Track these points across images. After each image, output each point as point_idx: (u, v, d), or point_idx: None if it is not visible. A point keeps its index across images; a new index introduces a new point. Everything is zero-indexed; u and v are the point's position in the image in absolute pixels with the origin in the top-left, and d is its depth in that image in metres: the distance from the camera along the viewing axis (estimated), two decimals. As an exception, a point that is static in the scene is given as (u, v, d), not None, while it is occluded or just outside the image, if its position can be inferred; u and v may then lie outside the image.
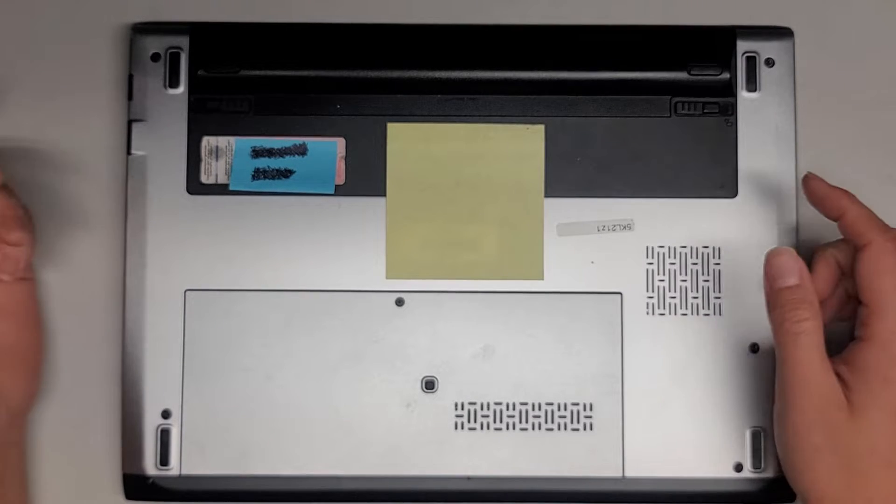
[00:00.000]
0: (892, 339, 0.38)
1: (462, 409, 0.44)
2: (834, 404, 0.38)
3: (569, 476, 0.44)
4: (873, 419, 0.37)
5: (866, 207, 0.41)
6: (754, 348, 0.44)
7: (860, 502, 0.38)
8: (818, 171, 0.45)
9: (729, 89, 0.45)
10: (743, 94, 0.45)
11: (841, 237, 0.42)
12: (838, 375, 0.39)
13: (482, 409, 0.44)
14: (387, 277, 0.45)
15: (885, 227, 0.40)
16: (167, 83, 0.45)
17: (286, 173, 0.45)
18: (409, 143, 0.45)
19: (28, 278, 0.43)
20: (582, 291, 0.45)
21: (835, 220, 0.41)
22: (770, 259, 0.40)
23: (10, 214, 0.41)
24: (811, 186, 0.41)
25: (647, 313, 0.45)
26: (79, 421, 0.45)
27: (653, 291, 0.45)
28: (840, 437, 0.38)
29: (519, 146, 0.45)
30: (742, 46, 0.46)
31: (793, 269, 0.39)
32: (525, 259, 0.45)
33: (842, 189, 0.41)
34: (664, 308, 0.45)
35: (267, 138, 0.45)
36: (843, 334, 0.42)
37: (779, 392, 0.40)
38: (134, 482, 0.44)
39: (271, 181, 0.45)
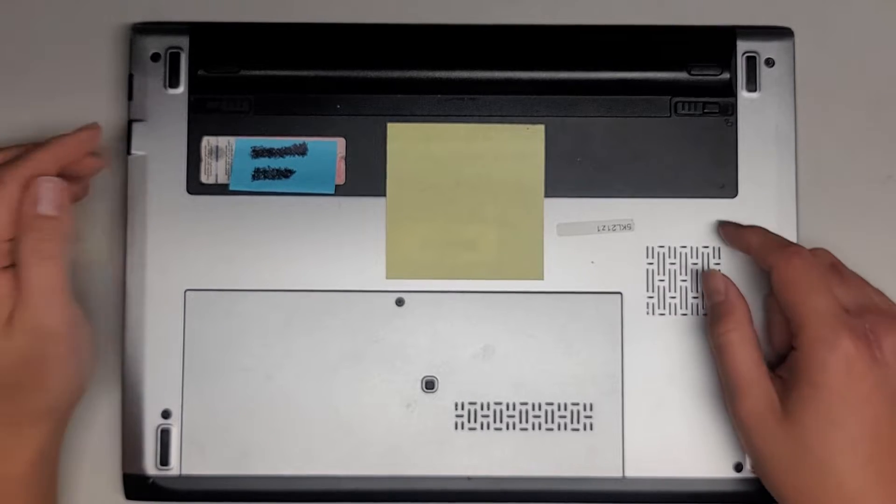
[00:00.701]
0: (815, 346, 0.39)
1: (462, 409, 0.44)
2: (769, 409, 0.40)
3: (569, 476, 0.44)
4: (804, 423, 0.39)
5: (770, 234, 0.43)
6: (754, 348, 0.44)
7: (797, 498, 0.40)
8: (818, 172, 0.45)
9: (729, 89, 0.45)
10: (743, 94, 0.45)
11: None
12: (781, 382, 0.40)
13: (482, 409, 0.44)
14: (387, 277, 0.45)
15: (785, 245, 0.42)
16: (167, 83, 0.45)
17: (286, 173, 0.45)
18: (409, 143, 0.45)
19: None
20: (582, 291, 0.45)
21: (748, 254, 0.43)
22: (704, 280, 0.44)
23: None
24: (723, 231, 0.44)
25: (647, 313, 0.45)
26: (79, 421, 0.45)
27: (653, 291, 0.45)
28: (777, 442, 0.39)
29: (519, 146, 0.45)
30: (742, 46, 0.46)
31: (719, 288, 0.43)
32: (525, 259, 0.45)
33: (749, 225, 0.44)
34: (664, 308, 0.45)
35: (267, 138, 0.45)
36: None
37: (725, 401, 0.42)
38: (134, 482, 0.44)
39: (271, 181, 0.45)
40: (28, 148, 0.41)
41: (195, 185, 0.45)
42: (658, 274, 0.45)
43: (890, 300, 0.42)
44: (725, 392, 0.42)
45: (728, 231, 0.44)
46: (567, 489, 0.44)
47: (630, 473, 0.44)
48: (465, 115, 0.45)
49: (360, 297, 0.45)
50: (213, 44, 0.46)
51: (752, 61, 0.46)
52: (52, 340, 0.39)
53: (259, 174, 0.45)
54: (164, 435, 0.44)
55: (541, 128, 0.45)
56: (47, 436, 0.41)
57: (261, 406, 0.44)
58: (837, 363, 0.38)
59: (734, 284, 0.43)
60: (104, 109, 0.47)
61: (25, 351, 0.39)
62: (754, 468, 0.43)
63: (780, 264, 0.41)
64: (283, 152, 0.45)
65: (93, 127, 0.42)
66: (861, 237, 0.46)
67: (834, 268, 0.42)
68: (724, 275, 0.43)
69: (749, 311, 0.42)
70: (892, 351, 0.38)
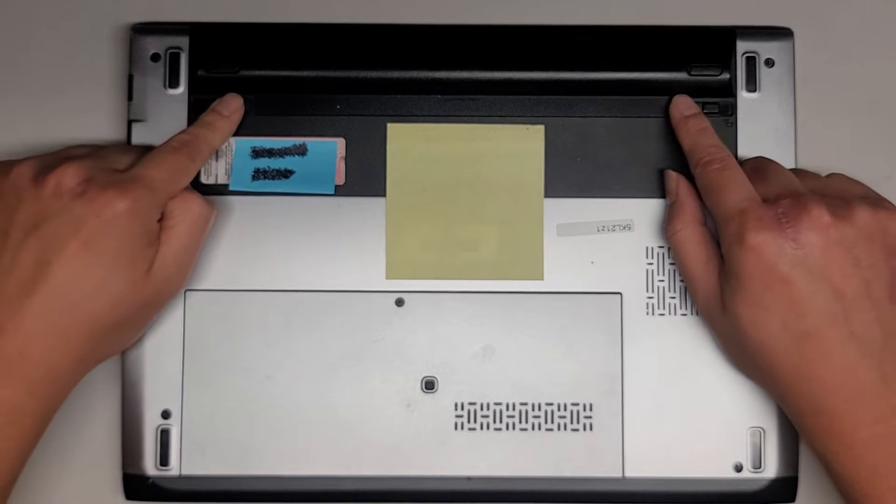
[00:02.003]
0: (729, 243, 0.40)
1: (462, 409, 0.44)
2: (714, 301, 0.42)
3: (569, 476, 0.44)
4: (738, 312, 0.40)
5: (700, 138, 0.44)
6: (754, 348, 0.44)
7: (766, 387, 0.42)
8: (818, 172, 0.45)
9: (729, 89, 0.45)
10: (743, 95, 0.45)
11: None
12: (725, 275, 0.42)
13: (482, 409, 0.44)
14: (387, 278, 0.45)
15: (704, 154, 0.43)
16: (167, 83, 0.45)
17: (286, 173, 0.45)
18: (409, 143, 0.45)
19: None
20: (582, 291, 0.45)
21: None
22: (666, 181, 0.45)
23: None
24: (670, 113, 0.45)
25: (647, 313, 0.45)
26: (79, 421, 0.45)
27: (653, 291, 0.45)
28: (725, 330, 0.42)
29: (519, 146, 0.45)
30: (742, 47, 0.46)
31: (671, 188, 0.44)
32: (525, 259, 0.45)
33: (691, 116, 0.45)
34: (664, 308, 0.45)
35: (267, 138, 0.45)
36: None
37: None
38: (134, 482, 0.44)
39: (271, 181, 0.45)
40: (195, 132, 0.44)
41: (195, 185, 0.45)
42: (658, 274, 0.45)
43: (835, 181, 0.43)
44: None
45: (674, 115, 0.45)
46: (567, 489, 0.44)
47: (630, 473, 0.44)
48: (465, 115, 0.45)
49: (359, 298, 0.45)
50: (213, 44, 0.46)
51: (751, 61, 0.46)
52: (170, 295, 0.42)
53: (259, 174, 0.45)
54: (164, 435, 0.44)
55: (541, 128, 0.45)
56: (79, 380, 0.41)
57: (261, 406, 0.44)
58: (749, 254, 0.39)
59: (686, 183, 0.44)
60: (104, 109, 0.47)
61: (150, 298, 0.41)
62: (722, 352, 0.44)
63: (697, 173, 0.43)
64: (283, 152, 0.45)
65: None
66: (861, 237, 0.46)
67: (757, 170, 0.42)
68: (677, 174, 0.44)
69: (699, 208, 0.43)
70: (809, 228, 0.39)
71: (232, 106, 0.45)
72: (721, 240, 0.41)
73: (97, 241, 0.39)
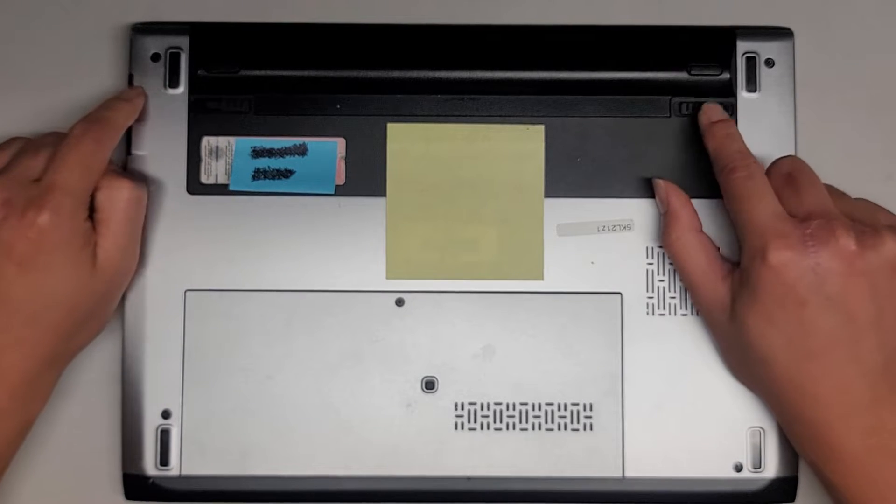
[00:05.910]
0: (749, 256, 0.40)
1: (462, 409, 0.44)
2: (718, 307, 0.42)
3: (569, 476, 0.44)
4: (747, 323, 0.40)
5: (727, 142, 0.43)
6: (754, 348, 0.44)
7: (759, 392, 0.43)
8: (818, 172, 0.45)
9: (729, 89, 0.45)
10: (743, 95, 0.45)
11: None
12: (738, 281, 0.41)
13: (482, 409, 0.44)
14: (387, 277, 0.45)
15: (730, 160, 0.43)
16: (167, 83, 0.45)
17: (286, 173, 0.45)
18: (409, 143, 0.45)
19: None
20: (582, 291, 0.45)
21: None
22: (655, 191, 0.44)
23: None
24: (700, 117, 0.45)
25: (647, 313, 0.45)
26: (79, 421, 0.45)
27: (653, 291, 0.45)
28: (728, 336, 0.42)
29: (519, 146, 0.45)
30: (742, 47, 0.46)
31: (664, 199, 0.44)
32: (525, 259, 0.45)
33: (719, 121, 0.44)
34: (664, 308, 0.45)
35: (267, 138, 0.45)
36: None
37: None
38: (134, 482, 0.44)
39: (271, 181, 0.45)
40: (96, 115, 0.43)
41: (195, 185, 0.45)
42: (658, 274, 0.45)
43: (863, 204, 0.42)
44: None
45: (702, 121, 0.45)
46: (567, 489, 0.44)
47: (630, 473, 0.44)
48: (465, 115, 0.45)
49: (360, 297, 0.45)
50: (213, 44, 0.46)
51: (752, 61, 0.46)
52: (123, 280, 0.43)
53: (259, 174, 0.45)
54: (164, 435, 0.44)
55: (541, 128, 0.45)
56: (58, 377, 0.42)
57: (261, 406, 0.44)
58: (768, 272, 0.39)
59: (676, 190, 0.44)
60: (104, 109, 0.47)
61: (105, 291, 0.42)
62: (719, 355, 0.44)
63: (721, 179, 0.43)
64: (283, 152, 0.45)
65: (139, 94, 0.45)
66: (861, 237, 0.46)
67: (789, 177, 0.42)
68: (665, 182, 0.44)
69: (693, 215, 0.43)
70: (833, 255, 0.38)
71: (131, 94, 0.44)
72: (742, 250, 0.41)
73: (32, 260, 0.39)
